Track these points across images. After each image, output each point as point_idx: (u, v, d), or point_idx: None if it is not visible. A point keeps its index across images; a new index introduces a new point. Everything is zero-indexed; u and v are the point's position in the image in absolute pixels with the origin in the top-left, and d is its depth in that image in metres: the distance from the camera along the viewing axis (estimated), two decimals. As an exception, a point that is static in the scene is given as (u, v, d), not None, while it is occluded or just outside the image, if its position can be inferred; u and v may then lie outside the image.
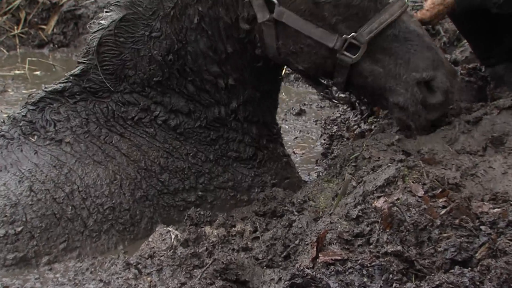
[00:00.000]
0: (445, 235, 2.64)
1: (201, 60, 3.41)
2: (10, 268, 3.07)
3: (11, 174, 3.27)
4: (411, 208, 2.73)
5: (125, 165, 3.37)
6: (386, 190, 2.94)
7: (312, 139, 4.55)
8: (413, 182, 2.95)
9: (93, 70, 3.43)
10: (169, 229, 3.14)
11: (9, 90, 5.66)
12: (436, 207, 2.74)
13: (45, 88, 3.49)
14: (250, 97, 3.51)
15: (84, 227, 3.22)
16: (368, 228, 2.77)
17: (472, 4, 3.38)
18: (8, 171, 3.29)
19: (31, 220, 3.16)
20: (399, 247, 2.60)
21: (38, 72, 6.12)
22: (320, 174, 3.90)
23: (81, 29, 6.78)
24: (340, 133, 4.29)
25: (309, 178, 3.91)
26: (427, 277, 2.46)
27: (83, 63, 3.46)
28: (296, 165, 4.10)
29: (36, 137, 3.40)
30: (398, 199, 2.82)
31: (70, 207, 3.22)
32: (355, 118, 4.31)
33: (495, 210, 2.76)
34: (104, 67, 3.41)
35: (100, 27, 3.42)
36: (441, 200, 2.81)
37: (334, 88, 3.45)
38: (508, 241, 2.54)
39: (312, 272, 2.50)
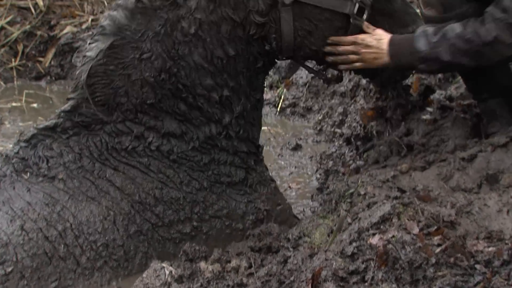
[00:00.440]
0: (440, 273, 2.64)
1: (194, 74, 3.38)
2: (0, 310, 3.04)
3: (3, 213, 3.24)
4: (406, 246, 2.74)
5: (119, 199, 3.34)
6: (381, 227, 2.95)
7: (308, 174, 4.56)
8: (408, 219, 2.97)
9: (84, 103, 3.38)
10: (164, 265, 3.12)
11: (6, 122, 5.66)
12: (431, 245, 2.75)
13: (37, 125, 3.46)
14: (242, 109, 3.49)
15: (77, 265, 3.18)
16: (363, 265, 2.77)
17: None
18: (0, 209, 3.26)
19: (22, 260, 3.12)
20: (394, 285, 2.61)
21: (35, 105, 6.12)
22: (316, 209, 3.90)
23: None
24: (335, 168, 4.30)
25: (303, 214, 3.92)
26: (422, 316, 2.46)
27: (73, 98, 3.41)
28: (292, 200, 4.10)
29: (28, 174, 3.36)
30: (393, 236, 2.83)
31: (62, 246, 3.19)
32: (351, 154, 4.32)
33: (490, 249, 2.77)
34: (96, 99, 3.37)
35: (88, 59, 3.37)
36: (436, 238, 2.82)
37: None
38: (503, 280, 2.55)
39: (307, 310, 2.50)
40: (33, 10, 6.97)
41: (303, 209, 4.01)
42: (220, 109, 3.45)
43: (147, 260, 3.31)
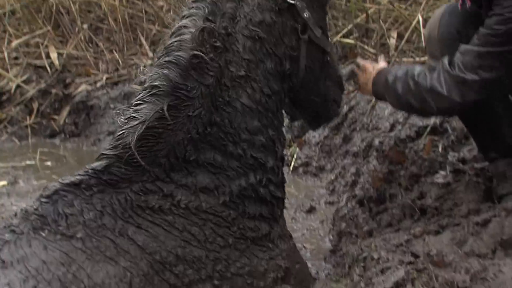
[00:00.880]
0: None
1: (240, 119, 3.31)
2: None
3: (17, 272, 3.17)
4: (420, 314, 2.72)
5: (139, 259, 3.23)
6: (396, 293, 2.94)
7: (320, 235, 4.54)
8: (422, 285, 2.95)
9: (117, 163, 3.25)
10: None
11: (20, 181, 5.68)
12: (446, 313, 2.73)
13: (62, 180, 3.34)
14: (282, 150, 3.48)
15: None
16: (378, 333, 2.75)
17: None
18: (14, 268, 3.19)
19: (33, 323, 3.04)
20: None
21: (49, 163, 6.15)
22: (329, 272, 3.87)
23: (93, 119, 6.87)
24: (348, 230, 4.28)
25: (318, 275, 3.89)
26: None
27: (107, 157, 3.28)
28: (306, 260, 4.08)
29: (46, 231, 3.26)
30: (407, 303, 2.81)
31: None
32: (364, 216, 4.31)
33: (505, 316, 2.74)
34: (135, 160, 3.22)
35: (138, 122, 3.21)
36: (450, 305, 2.80)
37: None
38: None
39: None
40: (48, 69, 7.09)
41: (317, 271, 3.98)
42: (264, 153, 3.37)
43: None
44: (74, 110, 6.91)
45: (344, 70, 5.50)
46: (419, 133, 4.57)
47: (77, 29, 7.37)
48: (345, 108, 5.36)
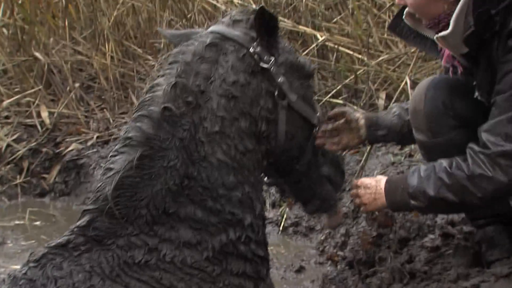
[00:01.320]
0: None
1: (216, 174, 3.34)
2: None
3: None
4: None
5: None
6: None
7: (310, 298, 4.52)
8: None
9: (100, 217, 3.28)
10: None
11: (8, 241, 5.65)
12: None
13: (48, 244, 3.36)
14: (261, 208, 3.44)
15: None
16: None
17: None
18: None
19: None
20: None
21: (38, 222, 6.12)
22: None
23: (83, 178, 6.86)
24: (338, 292, 4.27)
25: None
26: None
27: (90, 212, 3.32)
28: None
29: None
30: None
31: None
32: (353, 278, 4.30)
33: None
34: (117, 212, 3.26)
35: (113, 172, 3.29)
36: None
37: None
38: None
39: None
40: (39, 128, 7.11)
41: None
42: (241, 209, 3.37)
43: None
44: (64, 169, 6.91)
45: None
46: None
47: (68, 88, 7.42)
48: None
